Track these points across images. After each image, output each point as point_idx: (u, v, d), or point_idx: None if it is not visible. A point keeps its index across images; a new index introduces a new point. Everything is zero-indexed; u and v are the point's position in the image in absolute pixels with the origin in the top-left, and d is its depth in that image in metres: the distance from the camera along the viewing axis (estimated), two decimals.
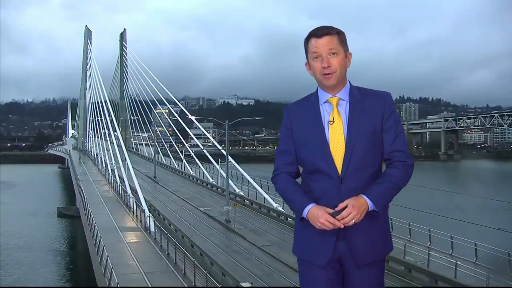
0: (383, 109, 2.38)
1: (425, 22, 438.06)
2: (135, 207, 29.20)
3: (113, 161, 44.87)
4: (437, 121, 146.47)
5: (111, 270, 16.40)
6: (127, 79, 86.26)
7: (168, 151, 65.42)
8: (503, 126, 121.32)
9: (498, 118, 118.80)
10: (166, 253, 20.18)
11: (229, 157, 31.88)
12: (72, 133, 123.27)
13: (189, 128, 58.71)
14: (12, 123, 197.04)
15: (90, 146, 74.24)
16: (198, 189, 41.47)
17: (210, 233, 24.47)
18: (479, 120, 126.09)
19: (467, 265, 16.76)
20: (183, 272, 17.58)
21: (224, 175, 32.58)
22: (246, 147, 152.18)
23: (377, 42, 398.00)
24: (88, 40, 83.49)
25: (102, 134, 60.35)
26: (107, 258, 17.94)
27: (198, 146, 59.31)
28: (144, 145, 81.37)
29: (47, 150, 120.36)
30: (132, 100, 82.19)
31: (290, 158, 2.47)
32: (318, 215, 2.25)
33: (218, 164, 42.73)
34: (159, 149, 64.44)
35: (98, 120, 65.13)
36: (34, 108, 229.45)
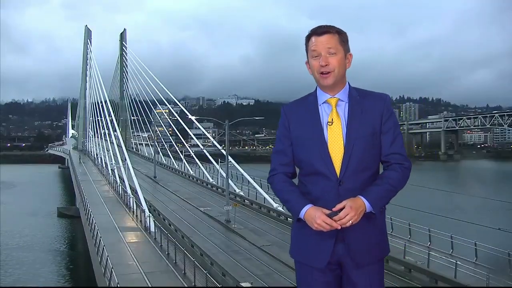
0: (382, 111, 2.37)
1: (425, 22, 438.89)
2: (135, 207, 29.20)
3: (113, 161, 44.87)
4: (437, 121, 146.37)
5: (111, 270, 16.39)
6: (127, 79, 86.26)
7: (168, 151, 65.43)
8: (503, 126, 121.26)
9: (498, 118, 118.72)
10: (166, 253, 20.18)
11: (229, 157, 31.88)
12: (72, 133, 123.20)
13: (189, 128, 58.71)
14: (12, 123, 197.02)
15: (90, 146, 74.23)
16: (198, 189, 41.47)
17: (210, 233, 24.47)
18: (479, 120, 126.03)
19: (467, 265, 16.75)
20: (183, 272, 17.58)
21: (224, 175, 32.58)
22: (246, 147, 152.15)
23: (377, 42, 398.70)
24: (88, 40, 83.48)
25: (102, 134, 60.35)
26: (107, 258, 17.94)
27: (198, 146, 59.32)
28: (144, 145, 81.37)
29: (47, 150, 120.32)
30: (132, 100, 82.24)
31: (287, 158, 2.45)
32: (315, 216, 2.23)
33: (218, 164, 42.73)
34: (159, 149, 64.44)
35: (98, 120, 65.13)
36: (34, 108, 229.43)
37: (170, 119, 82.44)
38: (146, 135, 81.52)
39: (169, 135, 75.76)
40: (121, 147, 46.62)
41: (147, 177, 48.23)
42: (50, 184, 72.27)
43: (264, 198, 30.49)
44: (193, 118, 51.24)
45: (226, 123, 31.50)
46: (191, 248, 20.87)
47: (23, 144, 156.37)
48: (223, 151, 39.08)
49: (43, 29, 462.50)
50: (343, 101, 2.38)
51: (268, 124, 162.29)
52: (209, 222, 27.61)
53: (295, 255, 2.48)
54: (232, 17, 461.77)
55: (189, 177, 49.22)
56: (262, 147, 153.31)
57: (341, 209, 2.21)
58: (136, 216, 28.18)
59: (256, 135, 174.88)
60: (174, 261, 18.83)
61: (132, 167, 36.67)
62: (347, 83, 2.42)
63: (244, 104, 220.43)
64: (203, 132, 52.67)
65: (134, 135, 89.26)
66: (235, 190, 35.05)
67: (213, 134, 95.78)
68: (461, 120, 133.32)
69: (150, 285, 16.49)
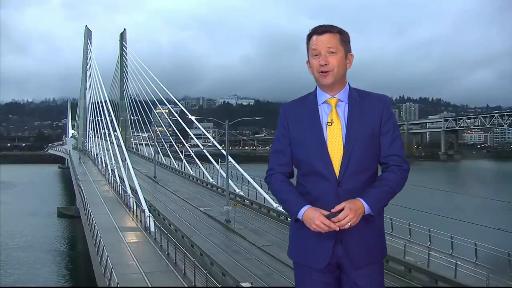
0: (381, 112, 2.36)
1: (425, 22, 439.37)
2: (135, 207, 29.20)
3: (113, 161, 44.87)
4: (437, 121, 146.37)
5: (111, 270, 16.39)
6: (127, 79, 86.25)
7: (168, 151, 65.43)
8: (503, 126, 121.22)
9: (498, 118, 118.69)
10: (166, 253, 20.18)
11: (229, 157, 31.88)
12: (72, 133, 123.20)
13: (189, 128, 58.71)
14: (12, 123, 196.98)
15: (90, 146, 74.23)
16: (198, 189, 41.47)
17: (210, 233, 24.47)
18: (479, 120, 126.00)
19: (467, 265, 16.76)
20: (183, 272, 17.58)
21: (224, 175, 32.58)
22: (246, 147, 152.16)
23: (377, 42, 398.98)
24: (88, 40, 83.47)
25: (102, 134, 60.36)
26: (107, 258, 17.94)
27: (198, 146, 59.33)
28: (144, 145, 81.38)
29: (47, 150, 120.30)
30: (132, 100, 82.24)
31: (285, 158, 2.42)
32: (313, 217, 2.21)
33: (218, 164, 42.73)
34: (159, 149, 64.44)
35: (98, 120, 65.14)
36: (34, 108, 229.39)
37: (170, 119, 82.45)
38: (146, 135, 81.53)
39: (169, 135, 75.76)
40: (121, 147, 46.63)
41: (147, 177, 48.23)
42: (50, 184, 72.26)
43: (264, 198, 30.48)
44: (193, 118, 51.25)
45: (226, 123, 31.50)
46: (191, 248, 20.87)
47: (23, 144, 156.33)
48: (223, 151, 39.08)
49: (43, 29, 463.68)
50: (343, 101, 2.37)
51: (268, 124, 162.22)
52: (209, 222, 27.61)
53: (294, 256, 2.46)
54: (232, 17, 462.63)
55: (189, 177, 49.22)
56: (262, 147, 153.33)
57: (340, 211, 2.19)
58: (136, 216, 28.18)
59: (256, 135, 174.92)
60: (174, 261, 18.83)
61: (132, 167, 36.68)
62: (347, 83, 2.40)
63: (244, 104, 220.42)
64: (203, 132, 52.68)
65: (134, 135, 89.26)
66: (235, 190, 35.05)
67: (213, 134, 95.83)
68: (461, 120, 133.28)
69: (150, 285, 16.48)
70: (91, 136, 74.77)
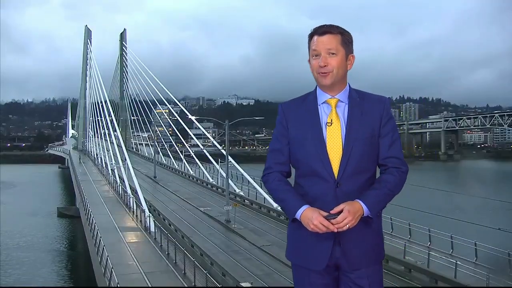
0: (381, 113, 2.35)
1: (425, 22, 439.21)
2: (135, 207, 29.19)
3: (113, 161, 44.87)
4: (437, 121, 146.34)
5: (111, 270, 16.40)
6: (127, 79, 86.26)
7: (168, 151, 65.44)
8: (503, 126, 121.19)
9: (498, 118, 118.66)
10: (166, 253, 20.18)
11: (229, 157, 31.88)
12: (72, 133, 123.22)
13: (189, 128, 58.72)
14: (12, 123, 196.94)
15: (90, 146, 74.23)
16: (198, 189, 41.48)
17: (210, 233, 24.47)
18: (479, 120, 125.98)
19: (467, 265, 16.77)
20: (183, 272, 17.58)
21: (224, 175, 32.58)
22: (246, 147, 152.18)
23: (377, 42, 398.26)
24: (88, 40, 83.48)
25: (102, 134, 60.36)
26: (107, 258, 17.94)
27: (198, 146, 59.34)
28: (144, 145, 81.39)
29: (47, 150, 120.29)
30: (132, 100, 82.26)
31: (283, 157, 2.41)
32: (312, 217, 2.19)
33: (218, 164, 42.74)
34: (159, 149, 64.45)
35: (98, 120, 65.15)
36: (34, 108, 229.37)
37: (170, 119, 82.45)
38: (146, 135, 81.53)
39: (169, 135, 75.77)
40: (121, 147, 46.63)
41: (147, 177, 48.23)
42: (50, 184, 72.27)
43: (264, 198, 30.47)
44: (193, 118, 51.27)
45: (226, 123, 31.50)
46: (191, 248, 20.87)
47: (23, 144, 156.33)
48: (223, 151, 39.09)
49: (43, 29, 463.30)
50: (343, 102, 2.36)
51: (268, 124, 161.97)
52: (209, 222, 27.61)
53: (292, 258, 2.44)
54: (232, 17, 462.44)
55: (189, 177, 49.21)
56: (262, 147, 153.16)
57: (339, 212, 2.18)
58: (136, 216, 28.18)
59: (256, 135, 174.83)
60: (174, 261, 18.83)
61: (132, 167, 36.68)
62: (347, 84, 2.39)
63: (244, 104, 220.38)
64: (203, 132, 52.70)
65: (134, 135, 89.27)
66: (235, 190, 35.05)
67: (213, 134, 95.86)
68: (461, 120, 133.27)
69: (150, 285, 16.49)
70: (91, 136, 74.77)
